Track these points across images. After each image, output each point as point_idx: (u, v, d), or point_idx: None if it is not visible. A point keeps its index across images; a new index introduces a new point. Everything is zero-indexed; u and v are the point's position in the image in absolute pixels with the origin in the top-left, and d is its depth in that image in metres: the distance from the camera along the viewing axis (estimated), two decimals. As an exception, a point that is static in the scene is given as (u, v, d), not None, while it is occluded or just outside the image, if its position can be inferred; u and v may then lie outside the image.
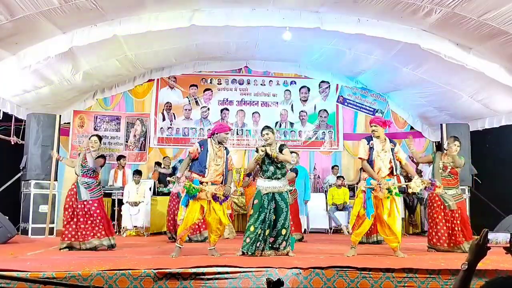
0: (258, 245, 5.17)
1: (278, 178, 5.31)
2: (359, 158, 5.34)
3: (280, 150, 5.36)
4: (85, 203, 5.77)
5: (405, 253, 5.17)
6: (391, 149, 5.23)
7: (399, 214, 5.20)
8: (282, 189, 5.31)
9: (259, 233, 5.18)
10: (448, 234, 5.80)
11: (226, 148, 5.36)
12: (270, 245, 5.24)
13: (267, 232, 5.22)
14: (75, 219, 5.75)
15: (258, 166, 5.55)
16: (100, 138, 6.10)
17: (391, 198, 5.11)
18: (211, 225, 5.20)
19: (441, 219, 5.80)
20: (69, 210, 5.79)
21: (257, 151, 5.36)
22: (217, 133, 5.26)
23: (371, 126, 5.32)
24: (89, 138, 6.06)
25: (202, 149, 5.18)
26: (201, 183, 5.11)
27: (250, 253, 5.12)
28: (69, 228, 5.73)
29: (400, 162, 5.31)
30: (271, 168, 5.29)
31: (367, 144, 5.22)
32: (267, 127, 5.48)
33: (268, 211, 5.22)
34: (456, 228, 5.78)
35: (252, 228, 5.21)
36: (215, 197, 5.12)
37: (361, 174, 5.41)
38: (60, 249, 5.68)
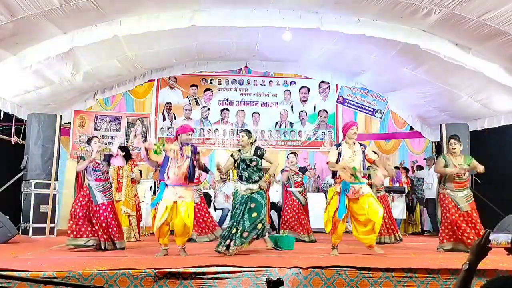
0: (227, 242, 5.07)
1: (254, 182, 5.32)
2: (327, 162, 5.41)
3: (261, 155, 5.37)
4: (100, 205, 5.68)
5: (382, 249, 5.24)
6: (362, 151, 5.28)
7: (380, 207, 5.10)
8: (257, 190, 5.33)
9: (233, 232, 5.12)
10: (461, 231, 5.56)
11: (193, 147, 5.31)
12: (242, 239, 5.08)
13: (240, 228, 5.13)
14: (91, 220, 5.65)
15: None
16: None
17: (367, 197, 5.12)
18: (176, 227, 5.12)
19: (457, 219, 5.54)
20: (81, 209, 5.63)
21: (232, 156, 5.43)
22: (179, 135, 5.24)
23: (352, 129, 5.34)
24: (91, 142, 5.83)
25: (165, 153, 5.17)
26: (166, 185, 5.10)
27: (219, 251, 5.03)
28: (84, 225, 5.58)
29: (369, 162, 5.37)
30: (245, 174, 5.32)
31: (336, 149, 5.34)
32: (244, 130, 5.56)
33: (243, 208, 5.21)
34: (470, 225, 5.55)
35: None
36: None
37: (335, 177, 5.37)
38: (75, 245, 5.55)
